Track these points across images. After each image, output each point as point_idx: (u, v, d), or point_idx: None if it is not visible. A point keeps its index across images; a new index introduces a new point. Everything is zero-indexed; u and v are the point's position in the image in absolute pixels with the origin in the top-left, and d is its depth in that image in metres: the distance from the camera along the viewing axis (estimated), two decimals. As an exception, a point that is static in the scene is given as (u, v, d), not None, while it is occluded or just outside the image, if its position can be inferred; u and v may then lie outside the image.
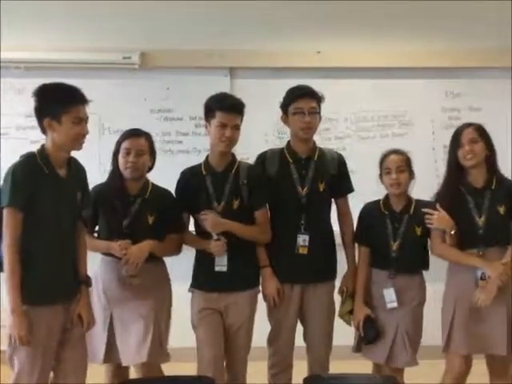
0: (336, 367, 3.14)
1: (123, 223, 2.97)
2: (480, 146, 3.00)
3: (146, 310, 2.96)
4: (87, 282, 2.75)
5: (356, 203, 3.29)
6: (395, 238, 3.11)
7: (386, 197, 3.20)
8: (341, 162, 3.21)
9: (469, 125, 3.08)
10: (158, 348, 2.95)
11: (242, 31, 4.26)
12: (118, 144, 3.02)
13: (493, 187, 3.01)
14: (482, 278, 2.94)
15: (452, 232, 2.98)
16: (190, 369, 2.99)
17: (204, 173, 3.06)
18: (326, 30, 4.24)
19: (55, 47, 4.46)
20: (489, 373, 3.11)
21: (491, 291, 2.91)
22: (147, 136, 3.05)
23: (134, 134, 3.03)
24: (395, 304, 3.07)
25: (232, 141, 2.99)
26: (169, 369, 3.04)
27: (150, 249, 2.94)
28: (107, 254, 3.00)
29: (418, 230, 3.10)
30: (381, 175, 3.18)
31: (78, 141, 2.59)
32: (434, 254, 3.10)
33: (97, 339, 2.95)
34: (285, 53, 4.58)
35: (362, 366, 3.21)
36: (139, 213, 2.99)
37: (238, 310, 3.03)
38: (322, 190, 3.12)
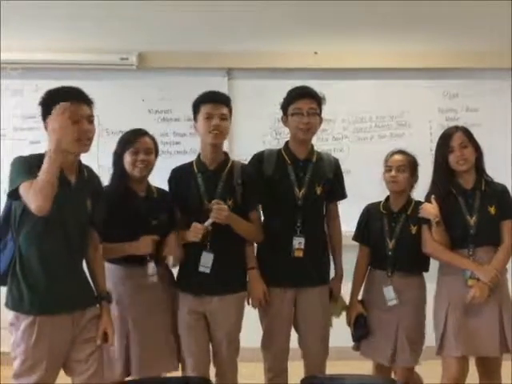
0: (334, 368, 3.12)
1: (152, 222, 2.89)
2: (470, 151, 3.03)
3: (166, 317, 2.95)
4: (108, 298, 2.66)
5: (352, 204, 3.28)
6: (391, 237, 3.14)
7: (387, 198, 3.24)
8: (337, 167, 3.19)
9: (457, 128, 3.10)
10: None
11: (240, 32, 4.26)
12: (124, 144, 2.95)
13: (482, 188, 3.06)
14: (471, 277, 2.97)
15: (436, 220, 2.98)
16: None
17: (195, 170, 3.02)
18: (324, 30, 4.25)
19: (52, 48, 4.45)
20: (478, 373, 3.10)
21: (483, 291, 2.94)
22: (151, 136, 3.02)
23: (141, 133, 2.98)
24: (395, 301, 3.09)
25: (221, 131, 2.92)
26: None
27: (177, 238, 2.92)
28: (113, 261, 2.88)
29: (414, 229, 3.12)
30: (384, 173, 3.21)
31: (78, 141, 2.48)
32: (425, 250, 3.09)
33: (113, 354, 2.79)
34: (282, 54, 4.58)
35: (360, 367, 3.20)
36: (151, 212, 2.93)
37: (223, 315, 2.94)
38: (319, 193, 3.09)
